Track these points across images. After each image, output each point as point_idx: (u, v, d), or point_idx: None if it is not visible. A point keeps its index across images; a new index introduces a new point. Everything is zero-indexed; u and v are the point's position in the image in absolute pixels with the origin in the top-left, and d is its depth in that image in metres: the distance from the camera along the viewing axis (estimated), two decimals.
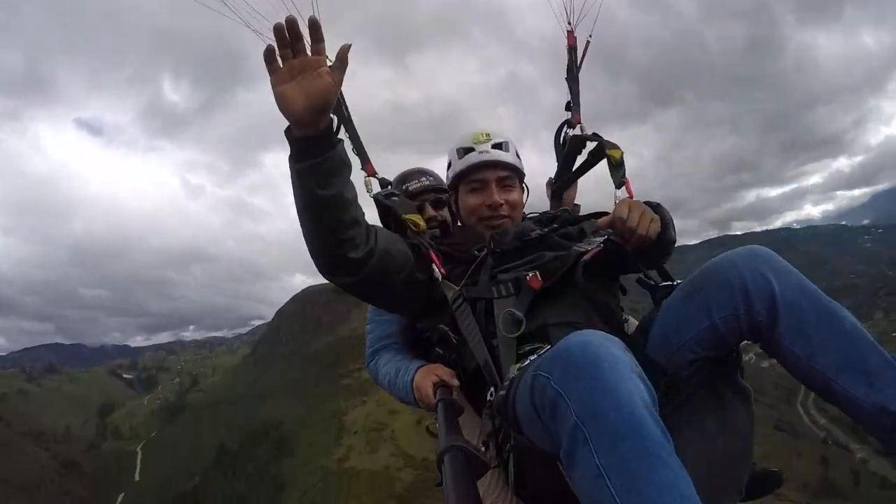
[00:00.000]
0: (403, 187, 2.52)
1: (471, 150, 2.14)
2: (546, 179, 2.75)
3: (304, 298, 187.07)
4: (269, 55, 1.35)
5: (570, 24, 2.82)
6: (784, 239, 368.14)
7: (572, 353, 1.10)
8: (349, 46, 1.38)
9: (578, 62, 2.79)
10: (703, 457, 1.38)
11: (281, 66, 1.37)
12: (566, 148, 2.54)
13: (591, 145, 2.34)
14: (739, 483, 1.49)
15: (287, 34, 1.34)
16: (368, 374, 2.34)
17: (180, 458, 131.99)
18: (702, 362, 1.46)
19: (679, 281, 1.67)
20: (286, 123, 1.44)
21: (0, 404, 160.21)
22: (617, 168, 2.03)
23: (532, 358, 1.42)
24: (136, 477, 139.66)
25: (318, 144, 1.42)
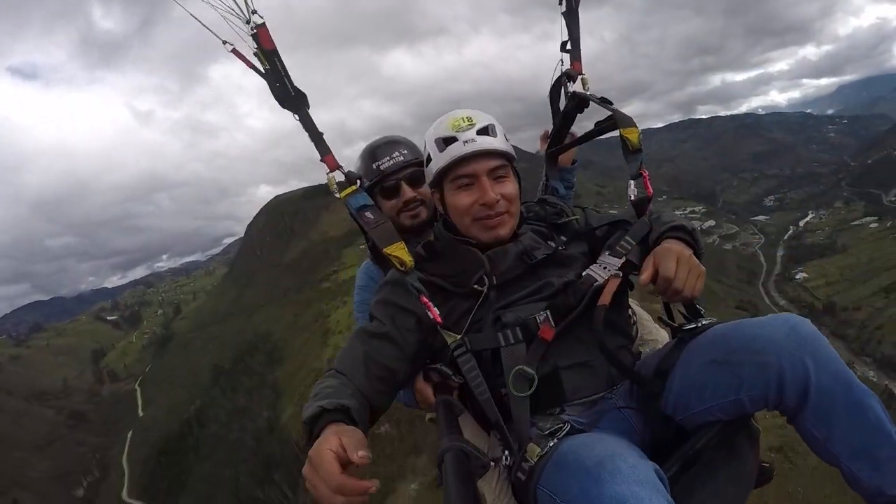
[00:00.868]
0: (374, 166, 2.31)
1: (452, 139, 1.77)
2: (542, 133, 2.59)
3: (273, 208, 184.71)
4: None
5: None
6: (749, 125, 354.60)
7: None
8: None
9: None
10: None
11: None
12: (565, 106, 2.31)
13: (595, 107, 2.15)
14: None
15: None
16: None
17: (178, 386, 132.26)
18: (719, 424, 1.44)
19: (704, 321, 1.58)
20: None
21: None
22: (634, 154, 1.84)
23: (551, 444, 1.37)
24: (140, 413, 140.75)
25: None
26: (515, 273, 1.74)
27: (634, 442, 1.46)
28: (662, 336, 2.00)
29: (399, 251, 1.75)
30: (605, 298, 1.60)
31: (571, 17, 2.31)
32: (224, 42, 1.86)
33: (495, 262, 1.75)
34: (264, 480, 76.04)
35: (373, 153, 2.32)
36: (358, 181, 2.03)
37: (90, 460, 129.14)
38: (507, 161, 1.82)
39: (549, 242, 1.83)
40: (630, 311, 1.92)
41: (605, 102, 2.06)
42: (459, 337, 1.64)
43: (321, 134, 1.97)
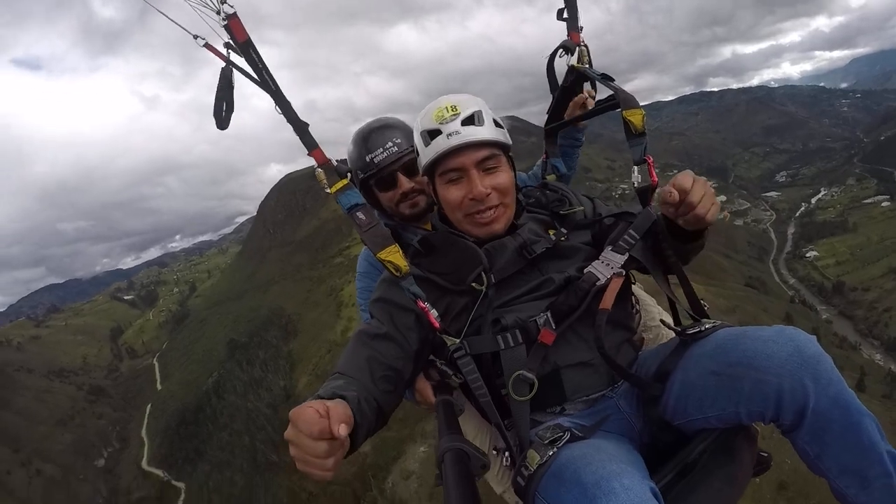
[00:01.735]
0: (368, 159, 2.17)
1: (437, 132, 1.68)
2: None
3: (285, 187, 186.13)
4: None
5: None
6: (761, 98, 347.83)
7: None
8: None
9: None
10: None
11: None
12: (563, 81, 2.20)
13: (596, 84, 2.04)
14: None
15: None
16: None
17: (196, 361, 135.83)
18: (717, 431, 1.45)
19: (709, 324, 1.53)
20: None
21: (19, 354, 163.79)
22: (637, 137, 1.71)
23: (550, 454, 1.38)
24: (158, 387, 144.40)
25: None
26: (515, 268, 1.68)
27: (633, 441, 1.52)
28: (667, 320, 1.91)
29: (393, 256, 1.68)
30: (607, 302, 1.57)
31: None
32: (195, 37, 1.75)
33: (493, 256, 1.68)
34: (280, 445, 78.51)
35: (365, 141, 2.21)
36: (349, 174, 1.98)
37: (110, 432, 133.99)
38: (498, 150, 1.72)
39: (549, 232, 1.77)
40: (633, 298, 1.90)
41: (606, 79, 1.95)
42: (458, 341, 1.61)
43: (306, 125, 1.85)
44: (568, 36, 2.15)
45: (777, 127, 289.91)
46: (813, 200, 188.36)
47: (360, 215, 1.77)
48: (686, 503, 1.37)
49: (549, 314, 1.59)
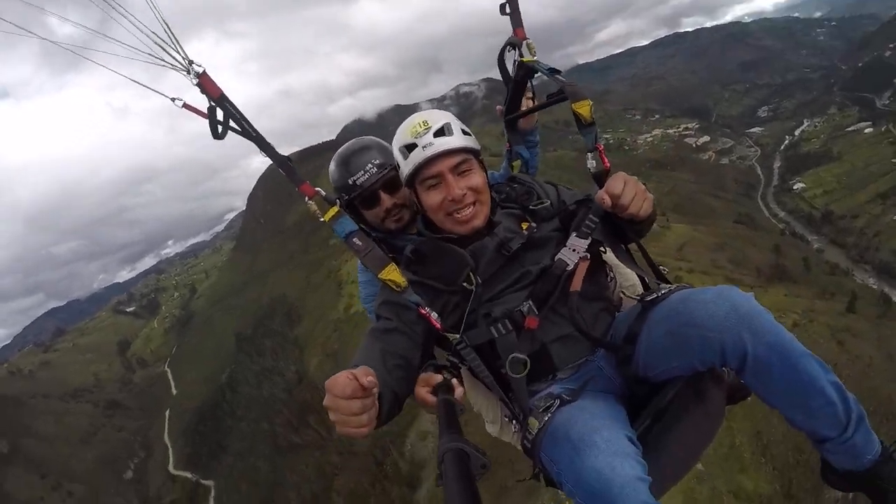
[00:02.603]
0: (350, 182, 2.31)
1: (413, 146, 1.92)
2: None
3: (270, 176, 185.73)
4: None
5: None
6: (735, 34, 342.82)
7: (590, 486, 1.36)
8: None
9: None
10: (680, 451, 1.68)
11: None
12: (514, 75, 2.33)
13: (543, 78, 2.20)
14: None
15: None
16: None
17: (206, 360, 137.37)
18: (685, 378, 1.67)
19: (664, 289, 1.76)
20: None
21: (31, 381, 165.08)
22: (588, 127, 1.93)
23: (546, 419, 1.63)
24: (174, 391, 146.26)
25: None
26: (497, 265, 1.91)
27: (616, 396, 1.77)
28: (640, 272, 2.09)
29: (392, 274, 1.90)
30: (576, 284, 1.83)
31: None
32: (173, 99, 1.83)
33: (477, 257, 1.92)
34: (299, 426, 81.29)
35: (346, 165, 2.35)
36: (338, 200, 2.15)
37: (133, 443, 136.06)
38: (468, 154, 1.95)
39: (522, 225, 1.99)
40: (607, 267, 2.10)
41: (553, 73, 2.10)
42: (459, 336, 1.86)
43: (289, 162, 2.00)
44: (513, 32, 2.27)
45: (754, 62, 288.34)
46: (796, 133, 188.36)
47: (357, 241, 1.98)
48: (663, 442, 1.61)
49: (530, 302, 1.85)
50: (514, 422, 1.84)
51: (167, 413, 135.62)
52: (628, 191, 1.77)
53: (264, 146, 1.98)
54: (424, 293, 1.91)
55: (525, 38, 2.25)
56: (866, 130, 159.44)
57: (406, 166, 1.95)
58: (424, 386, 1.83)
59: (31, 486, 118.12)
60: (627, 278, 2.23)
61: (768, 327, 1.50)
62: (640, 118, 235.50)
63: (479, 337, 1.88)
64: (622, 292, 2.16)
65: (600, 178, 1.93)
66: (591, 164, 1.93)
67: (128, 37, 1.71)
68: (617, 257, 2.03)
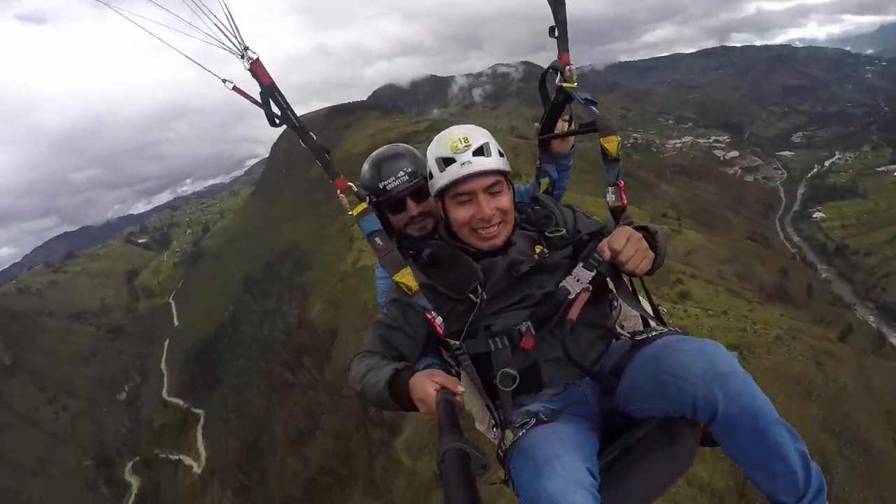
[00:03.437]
0: (381, 186, 2.41)
1: (451, 160, 1.98)
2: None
3: None
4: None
5: None
6: (783, 56, 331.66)
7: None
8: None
9: None
10: (641, 487, 1.69)
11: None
12: (553, 98, 2.39)
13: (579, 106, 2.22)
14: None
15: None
16: None
17: (211, 296, 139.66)
18: (660, 418, 1.70)
19: (657, 331, 1.84)
20: None
21: (39, 299, 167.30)
22: (612, 163, 2.00)
23: (520, 434, 1.70)
24: (175, 323, 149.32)
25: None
26: (504, 284, 2.01)
27: (594, 424, 1.83)
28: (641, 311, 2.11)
29: (405, 278, 2.04)
30: (573, 314, 1.91)
31: (557, 2, 2.30)
32: (224, 81, 1.91)
33: (488, 273, 2.01)
34: (294, 366, 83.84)
35: (379, 169, 2.44)
36: (368, 198, 2.25)
37: (131, 368, 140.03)
38: (501, 176, 2.03)
39: (535, 249, 2.06)
40: (611, 296, 2.14)
41: (589, 103, 2.15)
42: (458, 343, 1.98)
43: (328, 156, 2.15)
44: (558, 57, 2.32)
45: (798, 88, 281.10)
46: (826, 163, 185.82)
47: (378, 241, 2.11)
48: (626, 476, 1.67)
49: (529, 323, 1.93)
50: (495, 429, 1.95)
51: (167, 343, 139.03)
52: (628, 249, 1.84)
53: (304, 135, 2.09)
54: (433, 297, 2.03)
55: (568, 64, 2.29)
56: None
57: (441, 178, 2.01)
58: (430, 378, 1.83)
59: (30, 397, 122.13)
60: (629, 311, 2.28)
61: (744, 390, 1.54)
62: (672, 123, 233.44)
63: (477, 347, 1.97)
64: (619, 326, 2.18)
65: (617, 213, 2.04)
66: (611, 198, 2.01)
67: (189, 14, 1.76)
68: (618, 293, 2.07)
